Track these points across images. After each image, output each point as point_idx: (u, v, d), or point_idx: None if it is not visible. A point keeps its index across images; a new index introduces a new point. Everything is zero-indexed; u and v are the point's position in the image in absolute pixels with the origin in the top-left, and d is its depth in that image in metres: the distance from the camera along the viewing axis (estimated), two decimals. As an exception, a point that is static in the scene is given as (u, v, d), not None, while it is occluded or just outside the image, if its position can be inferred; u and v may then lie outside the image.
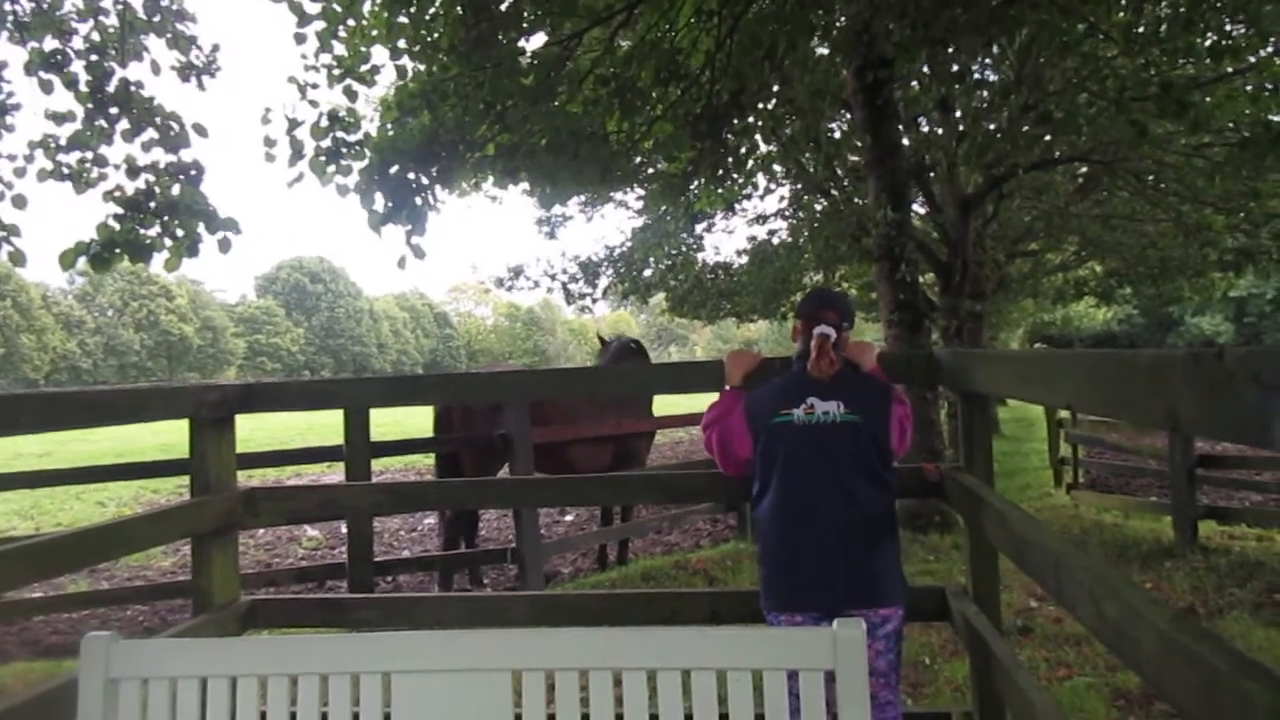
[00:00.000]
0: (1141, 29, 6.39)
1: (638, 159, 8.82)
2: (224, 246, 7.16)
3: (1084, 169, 12.86)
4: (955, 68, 7.14)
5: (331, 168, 6.93)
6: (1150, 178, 12.57)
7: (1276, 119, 8.52)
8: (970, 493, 2.64)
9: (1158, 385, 1.25)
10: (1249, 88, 8.16)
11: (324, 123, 6.90)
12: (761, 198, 15.52)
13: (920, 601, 3.10)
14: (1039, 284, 18.93)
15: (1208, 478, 8.40)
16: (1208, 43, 6.33)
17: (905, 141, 10.15)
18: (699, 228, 15.86)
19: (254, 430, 21.87)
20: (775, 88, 8.25)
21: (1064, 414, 12.12)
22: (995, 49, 9.16)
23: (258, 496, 3.30)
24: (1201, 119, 6.25)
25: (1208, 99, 7.76)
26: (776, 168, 12.89)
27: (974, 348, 13.61)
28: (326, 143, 6.91)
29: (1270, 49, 7.91)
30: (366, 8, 6.78)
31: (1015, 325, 30.07)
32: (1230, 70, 8.30)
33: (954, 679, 4.55)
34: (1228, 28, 6.82)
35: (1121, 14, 6.93)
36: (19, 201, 6.92)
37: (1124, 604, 1.44)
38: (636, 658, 1.81)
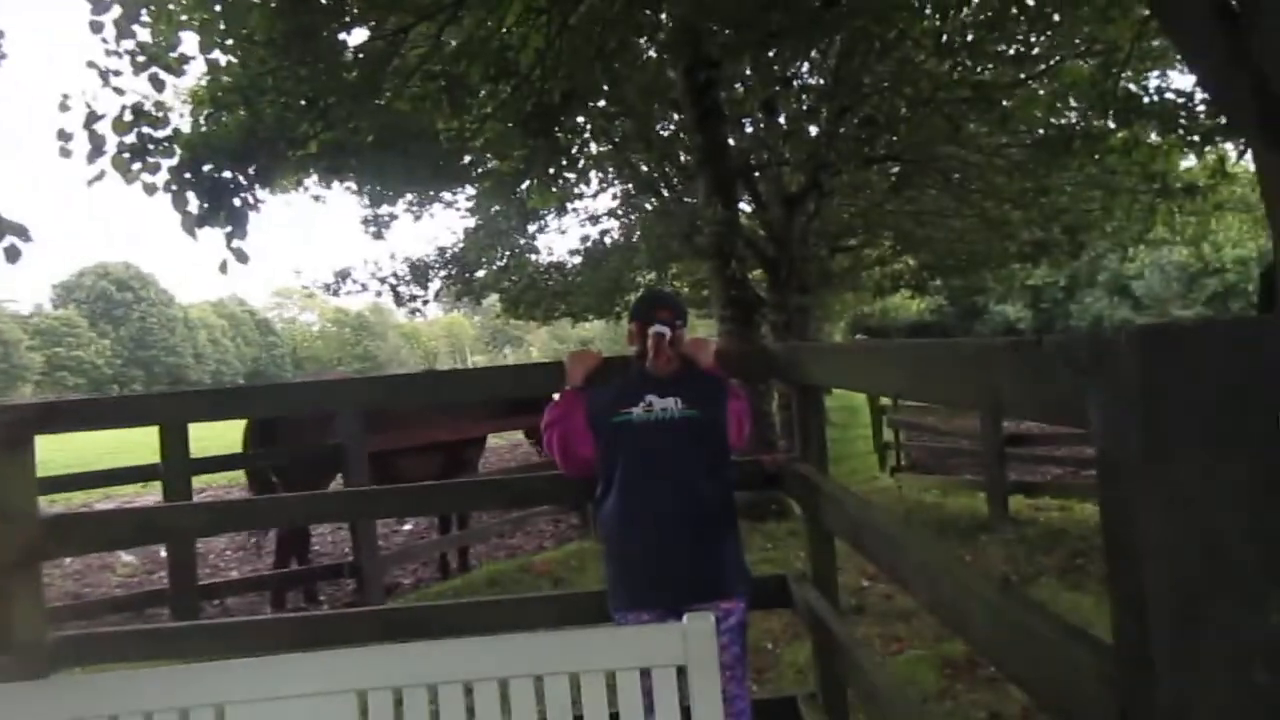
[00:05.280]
0: (946, 37, 6.80)
1: (469, 157, 8.68)
2: (11, 256, 6.54)
3: (896, 168, 13.55)
4: (777, 69, 7.38)
5: (137, 165, 6.47)
6: (956, 176, 13.35)
7: (1067, 122, 9.26)
8: (808, 481, 2.72)
9: (982, 372, 1.32)
10: (1041, 92, 8.83)
11: (127, 116, 6.44)
12: (594, 196, 15.56)
13: (763, 589, 3.18)
14: (859, 278, 19.81)
15: (1015, 455, 9.01)
16: (1010, 50, 6.84)
17: (731, 142, 10.41)
18: (531, 227, 15.77)
19: (54, 452, 20.25)
20: (606, 87, 8.29)
21: (886, 400, 12.75)
22: (815, 53, 9.54)
23: (65, 523, 3.05)
24: (1009, 116, 6.73)
25: (1005, 103, 8.32)
26: (609, 167, 12.97)
27: (802, 340, 14.13)
28: (131, 138, 6.45)
29: (1059, 57, 8.60)
30: (173, -9, 6.38)
31: (838, 318, 31.38)
32: (1023, 77, 8.96)
33: (796, 662, 4.69)
34: (1023, 35, 7.38)
35: (927, 21, 7.36)
36: None
37: (955, 580, 1.51)
38: (487, 667, 1.77)
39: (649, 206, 14.94)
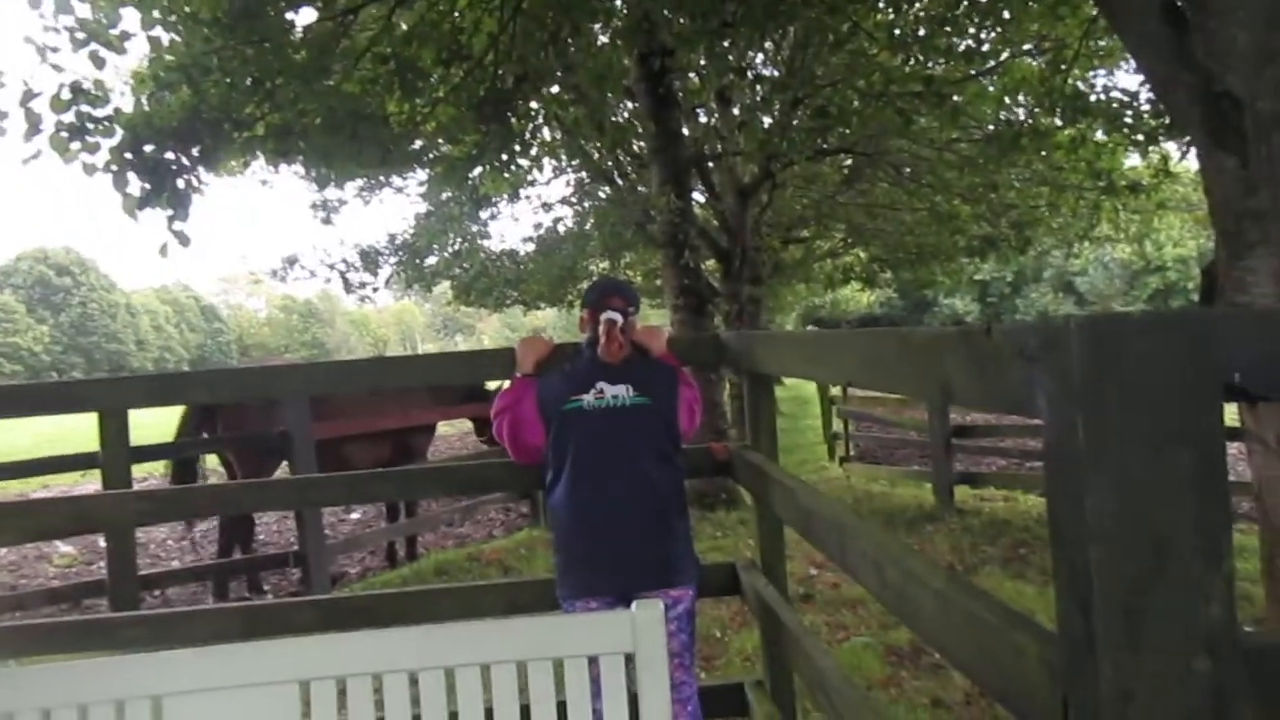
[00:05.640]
0: (899, 30, 6.88)
1: (420, 142, 8.56)
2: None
3: (849, 160, 13.66)
4: (732, 59, 7.39)
5: (75, 144, 6.27)
6: (907, 170, 13.50)
7: (1015, 118, 9.41)
8: (758, 470, 2.73)
9: (932, 361, 1.32)
10: (991, 88, 8.95)
11: (65, 94, 6.23)
12: (547, 183, 15.48)
13: (712, 577, 3.19)
14: (810, 270, 19.95)
15: (961, 446, 9.16)
16: (961, 46, 6.94)
17: (685, 131, 10.41)
18: (484, 214, 15.64)
19: (-9, 438, 19.71)
20: (559, 73, 8.23)
21: (836, 391, 12.87)
22: (769, 44, 9.56)
23: (-4, 511, 2.95)
24: (959, 111, 6.82)
25: (955, 98, 8.43)
26: (562, 154, 12.90)
27: (754, 330, 14.19)
28: (69, 116, 6.24)
29: (1008, 54, 8.74)
30: (113, -34, 6.17)
31: (789, 309, 31.61)
32: (974, 73, 9.09)
33: (744, 649, 4.73)
34: (974, 31, 7.49)
35: (880, 15, 7.44)
36: None
37: (903, 568, 1.52)
38: (433, 656, 1.75)
39: (603, 195, 14.88)
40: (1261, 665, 0.93)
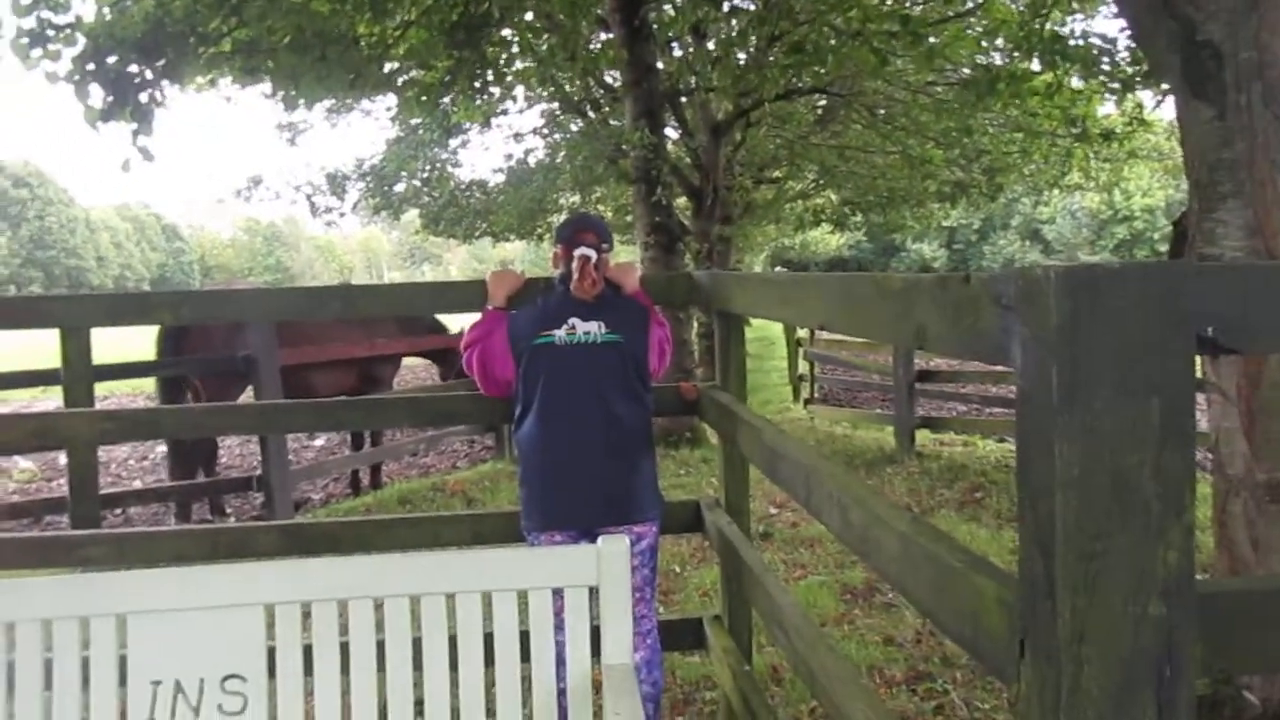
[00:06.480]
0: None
1: (390, 66, 8.36)
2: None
3: (823, 101, 13.53)
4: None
5: (37, 51, 6.05)
6: (881, 112, 13.42)
7: (992, 62, 9.35)
8: (726, 409, 2.74)
9: (908, 306, 1.33)
10: (970, 31, 8.88)
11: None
12: (520, 113, 15.21)
13: (676, 514, 3.22)
14: (781, 210, 19.88)
15: (924, 391, 9.26)
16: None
17: (660, 65, 10.24)
18: (454, 142, 15.37)
19: (-54, 354, 19.33)
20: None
21: (802, 333, 12.93)
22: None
23: (-47, 429, 2.91)
24: (935, 53, 6.76)
25: (932, 39, 8.34)
26: (534, 83, 12.66)
27: (723, 270, 14.16)
28: (30, 22, 6.01)
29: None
30: None
31: (759, 250, 31.59)
32: (952, 14, 8.99)
33: (702, 585, 4.80)
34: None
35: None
36: None
37: (868, 510, 1.54)
38: (399, 584, 1.77)
39: (574, 127, 14.67)
40: (1211, 611, 0.96)
